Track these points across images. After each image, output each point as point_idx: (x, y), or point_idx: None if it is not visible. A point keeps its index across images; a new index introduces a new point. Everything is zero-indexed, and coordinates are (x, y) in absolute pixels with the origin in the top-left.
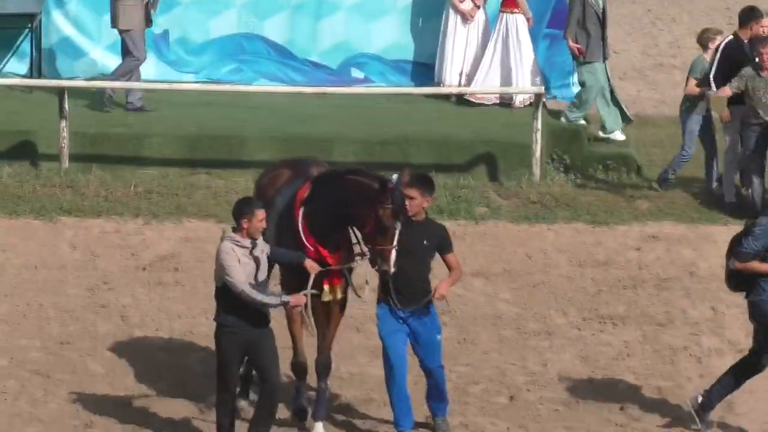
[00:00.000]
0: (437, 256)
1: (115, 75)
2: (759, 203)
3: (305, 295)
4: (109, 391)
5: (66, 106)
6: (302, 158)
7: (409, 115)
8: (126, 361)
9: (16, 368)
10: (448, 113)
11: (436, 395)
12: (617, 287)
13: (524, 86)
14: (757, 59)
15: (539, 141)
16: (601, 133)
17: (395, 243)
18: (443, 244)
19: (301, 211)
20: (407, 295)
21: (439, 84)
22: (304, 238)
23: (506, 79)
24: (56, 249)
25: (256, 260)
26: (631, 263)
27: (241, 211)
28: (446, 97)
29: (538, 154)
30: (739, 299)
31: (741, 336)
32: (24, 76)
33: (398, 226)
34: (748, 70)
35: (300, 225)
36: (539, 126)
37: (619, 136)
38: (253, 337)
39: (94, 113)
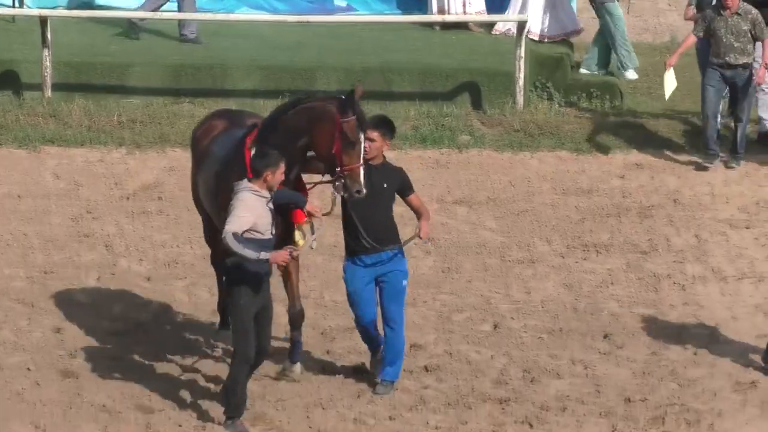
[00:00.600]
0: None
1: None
2: (711, 144)
3: (292, 251)
4: (94, 320)
5: (48, 35)
6: (235, 110)
7: (393, 44)
8: (110, 291)
9: (0, 297)
10: (432, 42)
11: (388, 355)
12: (601, 215)
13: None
14: None
15: (522, 69)
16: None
17: (362, 160)
18: (404, 186)
19: (251, 154)
20: (376, 240)
21: (442, 12)
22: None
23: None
24: (40, 178)
25: (271, 212)
26: (615, 191)
27: (267, 162)
28: (430, 25)
29: (521, 82)
30: (723, 227)
31: (724, 263)
32: (6, 6)
33: (362, 139)
34: (709, 12)
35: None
36: (522, 54)
37: (632, 75)
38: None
39: (78, 42)
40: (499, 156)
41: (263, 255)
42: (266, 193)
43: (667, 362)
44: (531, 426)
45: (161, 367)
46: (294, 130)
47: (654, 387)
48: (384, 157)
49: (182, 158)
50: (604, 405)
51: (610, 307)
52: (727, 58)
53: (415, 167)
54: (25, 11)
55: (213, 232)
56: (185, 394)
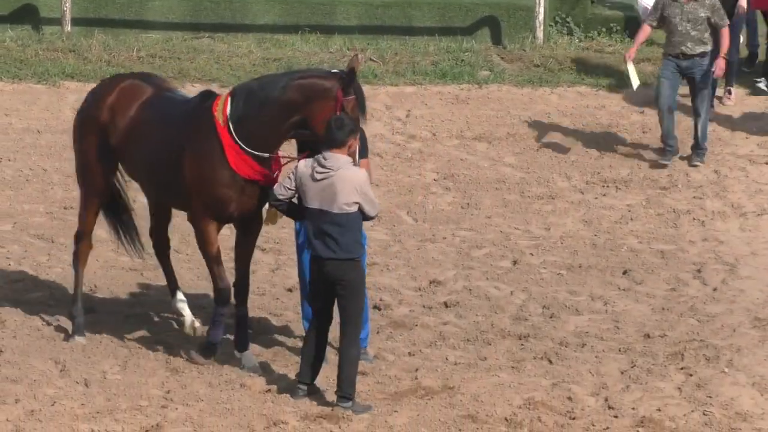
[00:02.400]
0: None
1: None
2: (668, 139)
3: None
4: (113, 255)
5: None
6: (136, 72)
7: None
8: None
9: (20, 233)
10: None
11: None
12: (621, 151)
13: None
14: None
15: (542, 3)
16: None
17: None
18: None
19: (229, 128)
20: None
21: None
22: (234, 158)
23: None
24: (59, 113)
25: None
26: (635, 126)
27: (350, 129)
28: None
29: (541, 16)
30: (743, 163)
31: (744, 199)
32: None
33: (363, 120)
34: None
35: (229, 143)
36: None
37: None
38: None
39: None
40: (519, 91)
41: None
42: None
43: (686, 298)
44: (550, 362)
45: None
46: (288, 105)
47: (673, 323)
48: None
49: None
50: (623, 341)
51: (630, 243)
52: (683, 48)
53: (434, 103)
54: None
55: (160, 220)
56: (205, 331)
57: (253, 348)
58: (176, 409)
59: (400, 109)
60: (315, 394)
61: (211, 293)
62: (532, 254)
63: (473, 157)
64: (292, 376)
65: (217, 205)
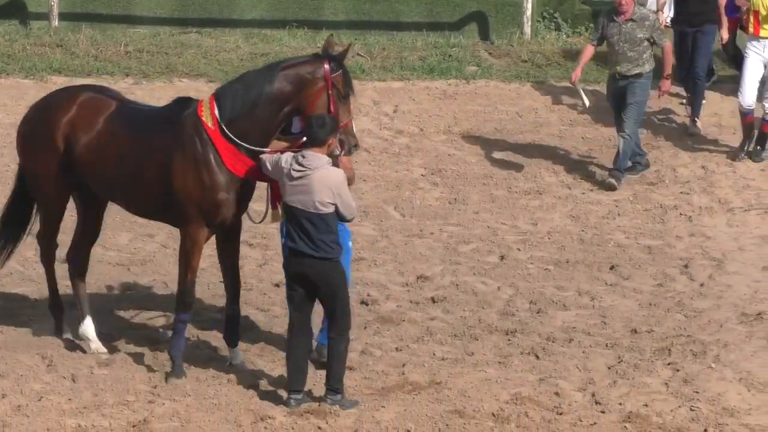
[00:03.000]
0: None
1: None
2: (636, 157)
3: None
4: (101, 251)
5: None
6: (88, 85)
7: None
8: (117, 222)
9: None
10: None
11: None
12: (608, 146)
13: None
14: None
15: None
16: None
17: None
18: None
19: (222, 130)
20: None
21: None
22: (230, 160)
23: None
24: None
25: None
26: None
27: (331, 127)
28: None
29: (529, 12)
30: (730, 158)
31: (731, 194)
32: None
33: (353, 94)
34: (603, 18)
35: (224, 146)
36: None
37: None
38: None
39: None
40: (507, 87)
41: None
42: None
43: (673, 293)
44: (537, 357)
45: (168, 299)
46: (279, 97)
47: (660, 318)
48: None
49: (189, 88)
50: (610, 336)
51: (617, 238)
52: (618, 68)
53: (422, 98)
54: None
55: (87, 239)
56: (192, 325)
57: (240, 344)
58: (163, 404)
59: (387, 105)
60: (306, 401)
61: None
62: (519, 249)
63: (461, 152)
64: (280, 371)
65: (213, 210)
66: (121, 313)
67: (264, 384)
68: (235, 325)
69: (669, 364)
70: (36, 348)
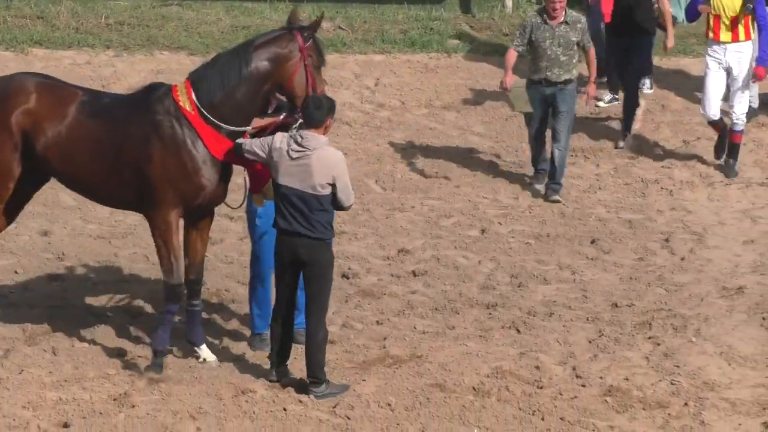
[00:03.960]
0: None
1: None
2: (537, 164)
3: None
4: (81, 224)
5: None
6: (31, 72)
7: None
8: None
9: None
10: None
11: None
12: (589, 119)
13: None
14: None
15: None
16: None
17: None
18: None
19: (203, 114)
20: None
21: None
22: (211, 143)
23: None
24: None
25: None
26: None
27: (328, 108)
28: None
29: None
30: (712, 133)
31: (712, 168)
32: None
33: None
34: (531, 21)
35: (204, 130)
36: None
37: None
38: None
39: None
40: (488, 60)
41: None
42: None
43: (653, 268)
44: (518, 331)
45: (148, 271)
46: (257, 76)
47: (641, 292)
48: None
49: (170, 61)
50: (591, 310)
51: (598, 212)
52: (548, 74)
53: (403, 71)
54: None
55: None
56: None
57: (222, 315)
58: (144, 377)
59: (368, 78)
60: (286, 375)
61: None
62: (500, 223)
63: (442, 126)
64: (260, 345)
65: (192, 194)
66: (102, 287)
67: (246, 357)
68: (197, 322)
69: (650, 338)
70: (16, 321)
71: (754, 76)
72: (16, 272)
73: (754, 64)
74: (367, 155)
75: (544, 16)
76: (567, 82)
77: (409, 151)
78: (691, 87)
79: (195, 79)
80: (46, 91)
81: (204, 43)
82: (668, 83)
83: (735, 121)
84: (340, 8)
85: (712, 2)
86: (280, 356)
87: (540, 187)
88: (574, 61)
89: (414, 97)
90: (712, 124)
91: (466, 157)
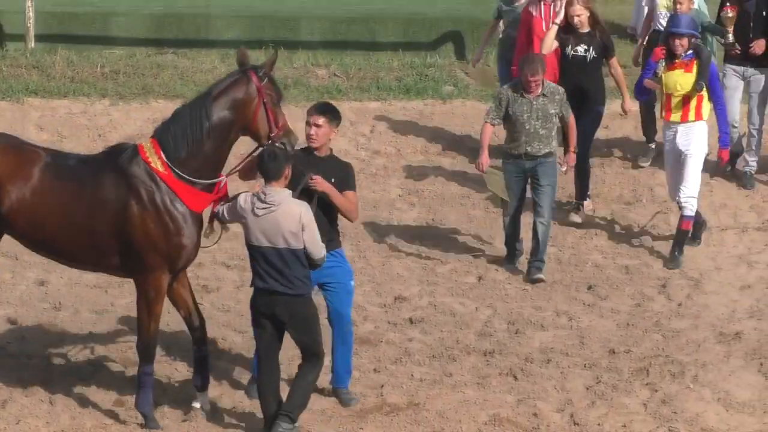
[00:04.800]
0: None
1: None
2: (513, 243)
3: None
4: (77, 273)
5: None
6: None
7: None
8: None
9: None
10: None
11: (341, 357)
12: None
13: None
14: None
15: None
16: None
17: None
18: (345, 180)
19: (175, 172)
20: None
21: None
22: (189, 199)
23: None
24: (23, 130)
25: None
26: (599, 142)
27: (285, 158)
28: None
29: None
30: (707, 178)
31: (708, 214)
32: None
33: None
34: (506, 93)
35: (180, 187)
36: None
37: None
38: None
39: None
40: (483, 106)
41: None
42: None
43: (650, 313)
44: (515, 378)
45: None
46: (222, 125)
47: (638, 338)
48: (330, 150)
49: (166, 109)
50: (589, 357)
51: (594, 258)
52: (528, 148)
53: (399, 118)
54: None
55: None
56: (170, 347)
57: (219, 364)
58: (141, 427)
59: (364, 125)
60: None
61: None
62: (497, 270)
63: (438, 172)
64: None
65: (178, 254)
66: (99, 336)
67: (242, 407)
68: (205, 368)
69: (647, 384)
70: (13, 371)
71: (719, 160)
72: (13, 322)
73: (705, 148)
74: (363, 202)
75: (521, 90)
76: (548, 155)
77: (405, 197)
78: None
79: (160, 138)
80: (7, 151)
81: (199, 91)
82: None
83: (683, 204)
84: (335, 55)
85: (662, 80)
86: (268, 416)
87: (513, 266)
88: (553, 133)
89: (409, 144)
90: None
91: (462, 204)
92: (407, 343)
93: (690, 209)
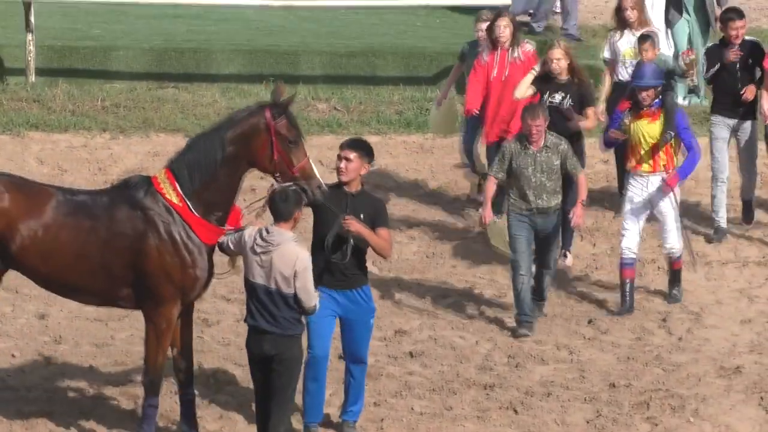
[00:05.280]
0: None
1: None
2: (525, 308)
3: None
4: (78, 306)
5: (32, 19)
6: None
7: (376, 28)
8: None
9: None
10: (415, 25)
11: (352, 394)
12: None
13: None
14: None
15: None
16: None
17: (307, 155)
18: (378, 217)
19: (188, 205)
20: (344, 274)
21: None
22: (202, 232)
23: None
24: (24, 164)
25: None
26: (599, 175)
27: (296, 200)
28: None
29: None
30: (708, 212)
31: (709, 248)
32: None
33: (302, 138)
34: (510, 146)
35: (194, 220)
36: None
37: None
38: None
39: (61, 26)
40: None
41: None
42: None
43: (651, 347)
44: (516, 411)
45: None
46: (234, 159)
47: (638, 372)
48: (362, 185)
49: (166, 143)
50: (589, 390)
51: (595, 291)
52: (539, 202)
53: (399, 152)
54: None
55: None
56: (171, 382)
57: (218, 398)
58: None
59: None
60: None
61: None
62: (497, 303)
63: (438, 206)
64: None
65: (192, 286)
66: (100, 370)
67: None
68: (192, 411)
69: (648, 418)
70: (13, 404)
71: (667, 180)
72: (13, 355)
73: (678, 198)
74: None
75: (524, 141)
76: (557, 206)
77: (405, 231)
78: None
79: (175, 169)
80: (19, 191)
81: (200, 125)
82: None
83: (669, 253)
84: (335, 89)
85: (630, 129)
86: None
87: (529, 334)
88: (559, 184)
89: (410, 178)
90: (623, 267)
91: (462, 238)
92: (407, 376)
93: (676, 253)
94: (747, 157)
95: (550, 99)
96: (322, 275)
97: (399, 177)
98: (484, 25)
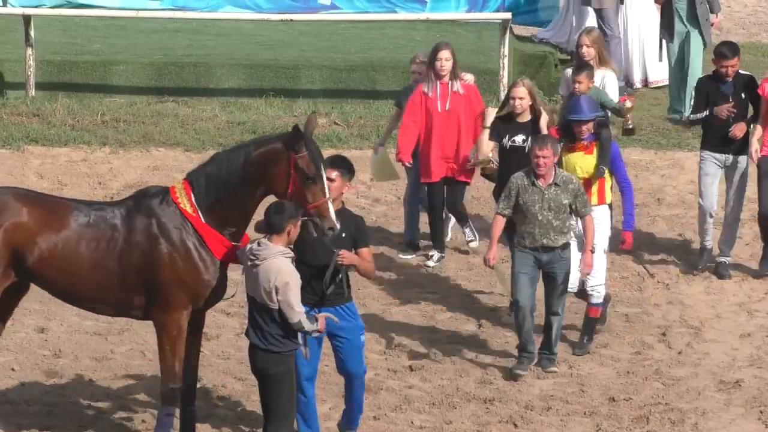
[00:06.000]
0: None
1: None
2: (528, 345)
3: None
4: (78, 320)
5: (32, 33)
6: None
7: (376, 42)
8: None
9: None
10: (415, 39)
11: (350, 406)
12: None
13: None
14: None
15: (506, 67)
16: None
17: (328, 195)
18: (359, 237)
19: (201, 216)
20: (328, 296)
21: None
22: (213, 245)
23: None
24: (24, 178)
25: None
26: None
27: (289, 214)
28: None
29: (505, 80)
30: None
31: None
32: None
33: (323, 173)
34: (518, 181)
35: (207, 231)
36: (506, 52)
37: None
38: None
39: (61, 41)
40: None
41: (313, 326)
42: (290, 252)
43: (651, 361)
44: (515, 426)
45: (145, 368)
46: (253, 180)
47: (638, 386)
48: (343, 203)
49: (166, 157)
50: (589, 404)
51: None
52: (545, 241)
53: (398, 168)
54: (8, 10)
55: None
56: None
57: (218, 412)
58: None
59: (364, 173)
60: None
61: None
62: (496, 318)
63: None
64: None
65: (204, 292)
66: (99, 384)
67: None
68: (192, 426)
69: None
70: (13, 417)
71: (622, 242)
72: (12, 369)
73: (607, 231)
74: None
75: (532, 176)
76: (565, 246)
77: (404, 246)
78: (686, 180)
79: (193, 180)
80: (36, 204)
81: (200, 140)
82: (663, 177)
83: (591, 293)
84: (335, 104)
85: (562, 162)
86: None
87: (524, 372)
88: (567, 223)
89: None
90: (579, 296)
91: (462, 251)
92: (407, 390)
93: (597, 296)
94: (737, 191)
95: (510, 141)
96: (304, 295)
97: (399, 191)
98: (419, 68)
